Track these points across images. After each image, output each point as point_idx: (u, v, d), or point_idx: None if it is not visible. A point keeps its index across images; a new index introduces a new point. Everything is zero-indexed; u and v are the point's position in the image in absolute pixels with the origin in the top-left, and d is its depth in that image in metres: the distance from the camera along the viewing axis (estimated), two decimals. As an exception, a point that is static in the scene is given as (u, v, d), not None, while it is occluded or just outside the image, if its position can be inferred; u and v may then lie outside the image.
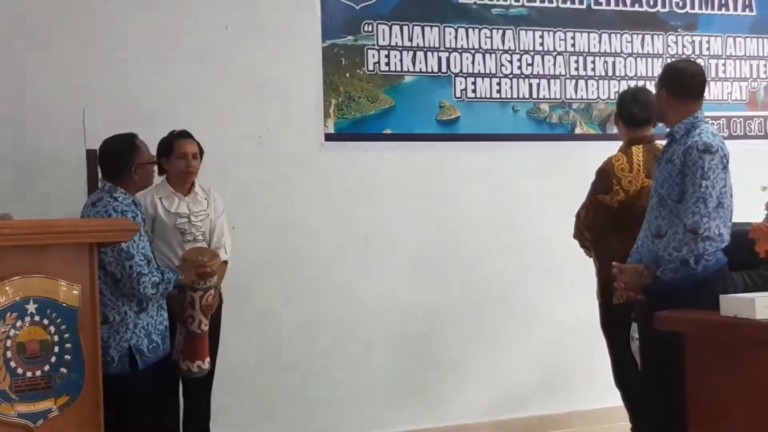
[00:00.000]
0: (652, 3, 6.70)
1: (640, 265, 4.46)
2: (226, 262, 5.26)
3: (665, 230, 4.39)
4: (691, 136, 4.40)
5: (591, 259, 5.38)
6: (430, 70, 6.18)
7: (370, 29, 6.04)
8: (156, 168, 4.99)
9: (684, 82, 4.55)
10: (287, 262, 5.85)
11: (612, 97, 6.50)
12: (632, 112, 5.30)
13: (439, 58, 6.20)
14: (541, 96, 6.46)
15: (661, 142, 5.29)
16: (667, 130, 4.61)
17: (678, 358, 4.14)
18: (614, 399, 5.51)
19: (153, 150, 4.94)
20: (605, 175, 5.21)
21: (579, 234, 5.35)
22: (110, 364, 4.39)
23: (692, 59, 6.27)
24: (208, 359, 4.96)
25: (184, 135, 5.26)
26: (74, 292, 3.90)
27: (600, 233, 5.20)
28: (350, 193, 6.02)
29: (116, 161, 4.65)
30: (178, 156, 5.23)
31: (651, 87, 6.34)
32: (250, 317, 5.70)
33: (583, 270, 5.47)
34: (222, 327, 5.29)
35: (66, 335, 3.85)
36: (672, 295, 4.26)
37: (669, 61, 6.18)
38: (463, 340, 6.24)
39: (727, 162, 4.41)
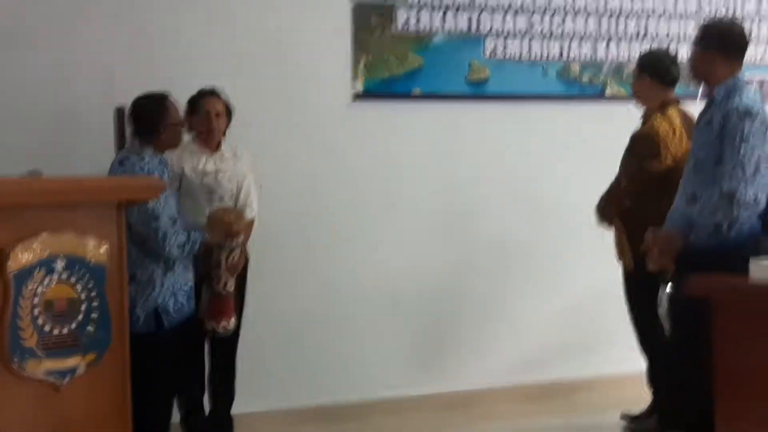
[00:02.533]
0: (686, -38, 6.63)
1: (672, 230, 4.42)
2: (252, 220, 5.27)
3: (700, 194, 4.35)
4: (731, 99, 4.34)
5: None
6: (459, 29, 6.12)
7: (400, -12, 5.99)
8: (185, 125, 4.97)
9: (732, 41, 4.48)
10: (313, 222, 5.85)
11: (644, 57, 6.43)
12: (671, 71, 5.27)
13: (469, 18, 6.14)
14: (571, 56, 6.39)
15: (689, 104, 5.30)
16: (700, 91, 4.57)
17: (707, 324, 4.11)
18: (635, 364, 5.53)
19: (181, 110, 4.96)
20: (650, 141, 5.15)
21: (614, 204, 5.27)
22: (136, 323, 4.41)
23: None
24: (233, 319, 4.98)
25: (211, 93, 5.25)
26: (102, 250, 3.89)
27: (641, 200, 5.13)
28: (378, 152, 5.99)
29: (145, 120, 4.65)
30: (202, 114, 5.22)
31: (682, 48, 6.33)
32: (276, 276, 5.70)
33: (608, 234, 5.45)
34: (247, 286, 5.31)
35: (93, 293, 3.86)
36: (703, 261, 4.22)
37: (702, 21, 6.09)
38: (485, 303, 6.23)
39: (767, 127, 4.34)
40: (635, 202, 5.17)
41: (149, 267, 4.53)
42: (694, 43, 4.59)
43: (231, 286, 4.91)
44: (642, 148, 5.17)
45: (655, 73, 5.30)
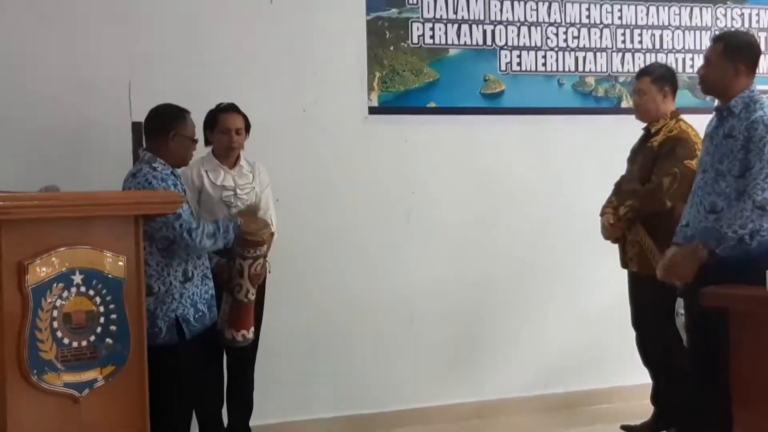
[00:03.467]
0: (700, -26, 6.63)
1: (696, 242, 4.39)
2: (272, 234, 5.28)
3: (720, 206, 4.34)
4: (752, 111, 4.35)
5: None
6: (474, 43, 6.14)
7: (414, 1, 6.00)
8: (195, 147, 4.91)
9: (757, 54, 4.50)
10: (330, 234, 5.86)
11: (659, 71, 6.43)
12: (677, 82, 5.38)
13: (484, 31, 6.16)
14: (587, 69, 6.40)
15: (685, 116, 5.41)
16: (716, 103, 4.58)
17: (724, 335, 4.10)
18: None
19: (199, 123, 4.98)
20: (686, 143, 5.20)
21: (654, 205, 5.22)
22: (158, 335, 4.43)
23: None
24: (252, 329, 4.97)
25: (229, 108, 5.26)
26: (120, 263, 3.93)
27: (681, 201, 5.07)
28: (393, 166, 6.00)
29: (156, 123, 4.67)
30: (221, 130, 5.24)
31: (698, 60, 6.33)
32: (293, 289, 5.71)
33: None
34: (266, 298, 5.32)
35: (111, 306, 3.89)
36: (724, 272, 4.20)
37: (715, 34, 6.08)
38: (503, 316, 6.22)
39: None
40: (675, 204, 5.11)
41: (167, 278, 4.54)
42: (716, 55, 4.52)
43: (252, 295, 4.90)
44: (682, 151, 5.19)
45: (674, 85, 5.37)
